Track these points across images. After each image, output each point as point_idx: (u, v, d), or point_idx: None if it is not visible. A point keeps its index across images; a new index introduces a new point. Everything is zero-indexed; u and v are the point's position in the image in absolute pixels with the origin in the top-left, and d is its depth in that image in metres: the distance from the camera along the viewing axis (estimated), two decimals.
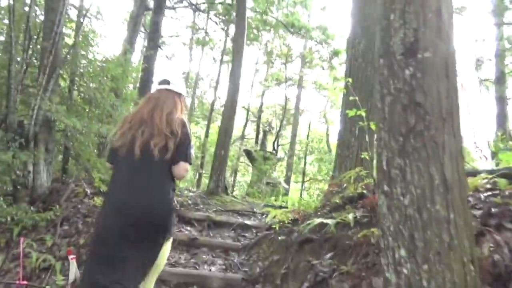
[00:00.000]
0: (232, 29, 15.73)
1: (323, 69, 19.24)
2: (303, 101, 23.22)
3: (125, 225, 2.19)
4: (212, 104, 19.62)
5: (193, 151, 2.52)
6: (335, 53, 15.32)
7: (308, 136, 22.44)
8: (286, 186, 15.93)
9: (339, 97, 23.94)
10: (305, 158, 21.75)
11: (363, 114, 3.87)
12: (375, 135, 1.85)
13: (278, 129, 21.50)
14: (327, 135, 25.19)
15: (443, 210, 1.63)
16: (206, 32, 19.62)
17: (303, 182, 21.10)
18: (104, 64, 7.00)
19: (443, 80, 1.73)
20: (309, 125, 23.67)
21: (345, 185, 4.50)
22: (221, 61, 19.76)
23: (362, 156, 4.96)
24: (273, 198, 10.70)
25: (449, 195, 1.64)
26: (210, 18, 17.49)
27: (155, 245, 2.27)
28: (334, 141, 25.70)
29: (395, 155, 1.74)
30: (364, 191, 4.05)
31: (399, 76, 1.77)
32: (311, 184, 21.76)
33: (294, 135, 21.37)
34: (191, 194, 7.54)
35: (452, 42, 1.80)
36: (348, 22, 6.50)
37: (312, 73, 21.03)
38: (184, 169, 2.39)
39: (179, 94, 2.61)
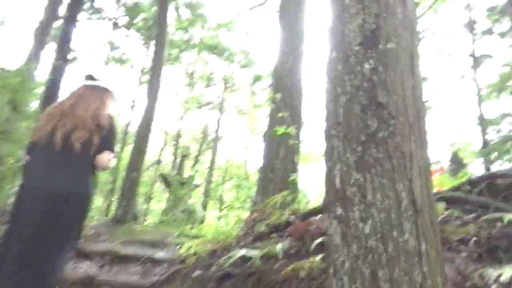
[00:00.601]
0: (153, 47, 15.05)
1: (245, 93, 19.23)
2: (223, 126, 22.96)
3: (40, 213, 2.11)
4: (127, 125, 18.43)
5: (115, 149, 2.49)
6: (257, 78, 15.34)
7: (227, 161, 22.14)
8: (203, 213, 15.22)
9: (259, 122, 24.16)
10: (223, 185, 21.31)
11: (293, 131, 3.55)
12: (327, 147, 1.44)
13: (196, 154, 20.85)
14: (246, 161, 25.12)
15: (413, 240, 1.26)
16: (124, 51, 18.62)
17: (220, 209, 20.54)
18: None
19: (408, 76, 1.40)
20: (228, 150, 23.44)
21: (270, 211, 4.10)
22: (140, 81, 18.81)
23: (289, 179, 4.65)
24: (189, 226, 9.99)
25: (419, 219, 1.28)
26: (130, 35, 16.63)
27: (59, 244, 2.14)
28: (252, 168, 25.71)
29: (351, 169, 1.35)
30: (292, 218, 3.68)
31: (356, 71, 1.42)
32: (229, 211, 21.26)
33: (212, 161, 20.87)
34: (95, 222, 6.60)
35: (416, 33, 1.51)
36: (275, 42, 6.34)
37: (234, 98, 20.95)
38: (108, 158, 2.34)
39: (106, 90, 2.54)
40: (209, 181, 20.31)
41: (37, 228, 2.09)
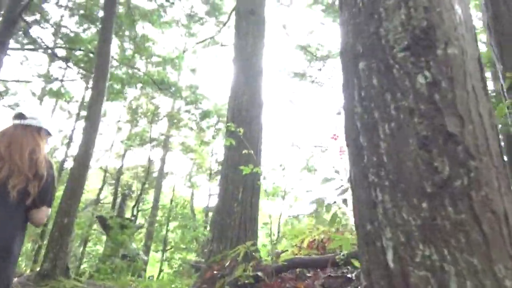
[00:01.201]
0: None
1: (191, 130, 18.59)
2: (168, 163, 22.01)
3: None
4: (62, 163, 16.96)
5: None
6: (205, 115, 14.84)
7: (171, 200, 21.00)
8: (145, 258, 14.02)
9: (206, 160, 23.45)
10: (167, 225, 20.07)
11: (259, 171, 3.04)
12: (359, 200, 0.91)
13: (139, 193, 19.58)
14: (192, 199, 24.10)
15: None
16: (62, 82, 17.42)
17: (163, 251, 19.21)
18: None
19: (482, 95, 0.96)
20: (173, 189, 22.33)
21: (232, 264, 3.49)
22: (78, 116, 17.60)
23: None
24: (129, 276, 8.95)
25: None
26: (68, 66, 15.58)
27: None
28: (199, 206, 24.70)
29: (414, 239, 0.84)
30: (259, 274, 3.10)
31: (405, 87, 0.94)
32: (173, 253, 19.98)
33: (156, 200, 19.71)
34: (15, 279, 5.51)
35: (476, 37, 1.08)
36: (229, 74, 5.90)
37: (179, 135, 20.22)
38: (46, 214, 2.18)
39: (39, 129, 2.29)
40: (152, 222, 19.05)
41: None
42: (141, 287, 6.19)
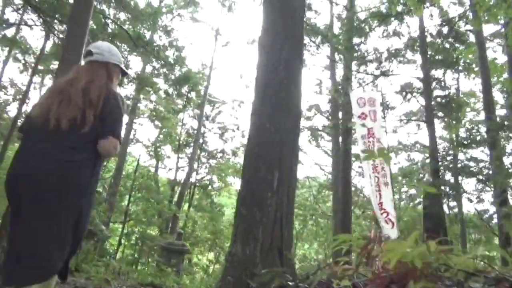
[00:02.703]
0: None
1: (168, 95, 16.93)
2: (136, 130, 20.34)
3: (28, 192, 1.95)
4: (14, 121, 14.95)
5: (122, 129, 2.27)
6: (185, 79, 13.29)
7: (135, 170, 19.48)
8: (108, 234, 12.66)
9: (176, 129, 21.94)
10: (130, 196, 18.65)
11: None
12: None
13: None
14: (157, 170, 22.67)
15: None
16: (18, 27, 15.19)
17: (124, 224, 17.84)
18: None
19: None
20: (138, 158, 20.77)
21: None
22: (35, 69, 15.52)
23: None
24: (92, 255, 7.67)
25: None
26: (27, 8, 13.43)
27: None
28: (165, 178, 23.25)
29: None
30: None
31: None
32: (133, 226, 18.71)
33: (119, 169, 18.16)
34: None
35: None
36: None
37: (149, 100, 18.56)
38: (113, 145, 2.13)
39: (106, 64, 2.36)
40: (114, 192, 17.54)
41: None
42: None
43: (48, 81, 17.92)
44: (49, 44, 15.11)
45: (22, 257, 1.88)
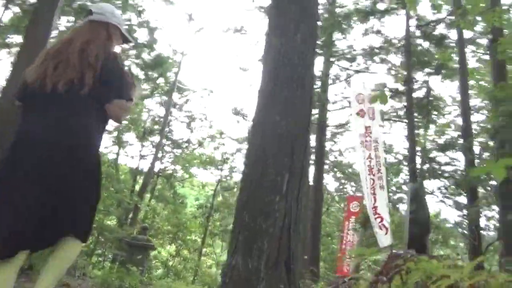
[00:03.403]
0: None
1: (137, 80, 15.93)
2: None
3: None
4: None
5: (135, 91, 2.14)
6: (159, 62, 12.43)
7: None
8: None
9: (141, 116, 20.87)
10: None
11: None
12: None
13: None
14: (117, 158, 21.55)
15: None
16: None
17: None
18: None
19: None
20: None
21: None
22: None
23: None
24: None
25: None
26: None
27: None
28: (126, 166, 22.15)
29: None
30: None
31: None
32: None
33: None
34: None
35: None
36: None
37: None
38: (123, 108, 2.06)
39: (106, 24, 2.20)
40: None
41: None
42: None
43: (4, 56, 16.39)
44: (8, 14, 13.74)
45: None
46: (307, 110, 3.28)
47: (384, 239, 4.91)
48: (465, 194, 10.73)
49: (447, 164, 12.27)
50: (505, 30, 9.18)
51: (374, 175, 5.10)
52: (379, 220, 4.98)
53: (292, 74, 3.22)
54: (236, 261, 2.80)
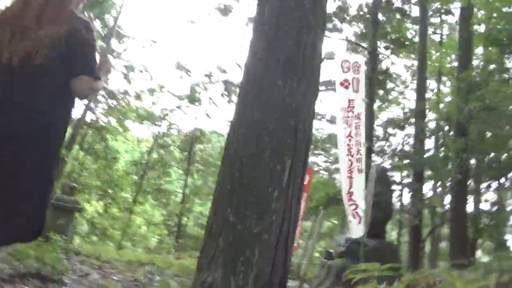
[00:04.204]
0: None
1: None
2: None
3: None
4: None
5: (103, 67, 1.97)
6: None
7: None
8: None
9: None
10: None
11: None
12: None
13: None
14: None
15: None
16: None
17: None
18: None
19: None
20: None
21: None
22: None
23: None
24: None
25: None
26: None
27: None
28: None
29: None
30: None
31: None
32: None
33: None
34: None
35: None
36: None
37: None
38: (88, 86, 1.84)
39: None
40: None
41: None
42: None
43: None
44: None
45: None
46: (317, 71, 2.48)
47: (357, 228, 4.40)
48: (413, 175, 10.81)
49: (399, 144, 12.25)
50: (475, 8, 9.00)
51: (352, 156, 4.50)
52: (353, 207, 4.44)
53: (301, 18, 2.38)
54: (213, 278, 2.00)
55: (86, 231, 16.66)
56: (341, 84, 4.54)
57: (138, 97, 21.92)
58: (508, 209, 12.96)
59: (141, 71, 20.76)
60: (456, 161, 8.15)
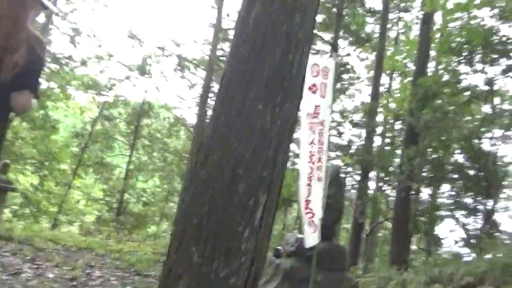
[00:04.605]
0: None
1: None
2: None
3: None
4: None
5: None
6: None
7: None
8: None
9: None
10: None
11: None
12: None
13: None
14: None
15: None
16: None
17: None
18: None
19: None
20: None
21: None
22: None
23: None
24: None
25: None
26: None
27: None
28: None
29: None
30: None
31: None
32: None
33: None
34: None
35: None
36: None
37: None
38: (28, 101, 1.84)
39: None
40: None
41: None
42: None
43: None
44: None
45: None
46: (300, 94, 2.28)
47: (312, 238, 4.33)
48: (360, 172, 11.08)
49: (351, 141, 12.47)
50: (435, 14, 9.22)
51: (313, 163, 4.39)
52: (309, 215, 4.36)
53: (289, 34, 2.16)
54: None
55: (18, 205, 15.56)
56: (309, 88, 4.38)
57: (83, 63, 20.57)
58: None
59: (88, 36, 19.40)
60: (408, 168, 8.42)
